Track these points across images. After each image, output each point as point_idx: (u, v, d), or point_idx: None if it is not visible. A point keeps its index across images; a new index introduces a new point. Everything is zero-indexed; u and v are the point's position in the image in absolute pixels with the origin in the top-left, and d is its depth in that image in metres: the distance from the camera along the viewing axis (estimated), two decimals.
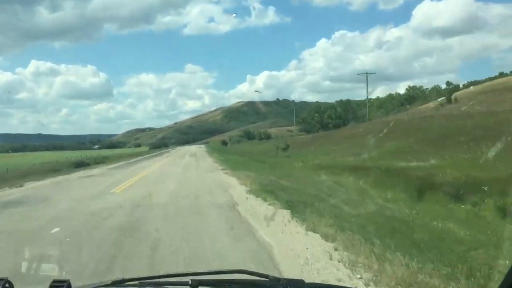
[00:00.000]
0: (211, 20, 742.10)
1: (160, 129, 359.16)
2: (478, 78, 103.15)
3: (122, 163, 37.08)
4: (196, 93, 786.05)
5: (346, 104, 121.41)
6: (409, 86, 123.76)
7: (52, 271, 3.58)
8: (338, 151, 39.82)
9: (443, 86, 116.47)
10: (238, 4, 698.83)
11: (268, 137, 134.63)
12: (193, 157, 41.20)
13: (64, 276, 1.79)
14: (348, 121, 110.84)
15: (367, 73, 65.39)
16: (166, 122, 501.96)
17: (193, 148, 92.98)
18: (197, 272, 1.93)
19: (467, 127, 25.48)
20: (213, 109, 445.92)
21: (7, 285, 1.39)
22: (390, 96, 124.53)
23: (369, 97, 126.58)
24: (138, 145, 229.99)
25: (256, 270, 1.85)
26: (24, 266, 4.02)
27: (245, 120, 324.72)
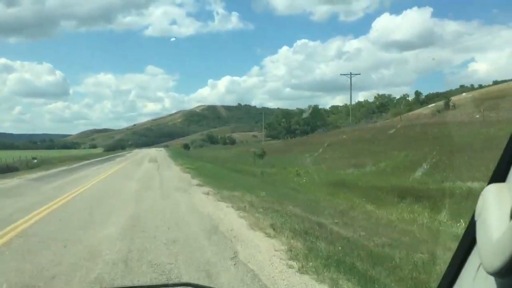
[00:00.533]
0: (174, 22, 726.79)
1: (118, 131, 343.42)
2: (432, 91, 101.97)
3: (60, 169, 28.14)
4: (157, 95, 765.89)
5: (316, 111, 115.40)
6: (378, 95, 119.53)
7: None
8: (331, 160, 32.58)
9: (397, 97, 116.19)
10: (201, 8, 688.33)
11: (232, 142, 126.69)
12: (153, 163, 32.79)
13: None
14: (317, 128, 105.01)
15: (351, 73, 58.68)
16: (124, 124, 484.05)
17: (152, 151, 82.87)
18: (146, 285, 2.23)
19: None
20: (173, 112, 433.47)
21: None
22: (359, 104, 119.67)
23: (330, 105, 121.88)
24: (94, 146, 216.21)
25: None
26: None
27: (205, 124, 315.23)
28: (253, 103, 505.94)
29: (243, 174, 24.12)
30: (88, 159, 41.67)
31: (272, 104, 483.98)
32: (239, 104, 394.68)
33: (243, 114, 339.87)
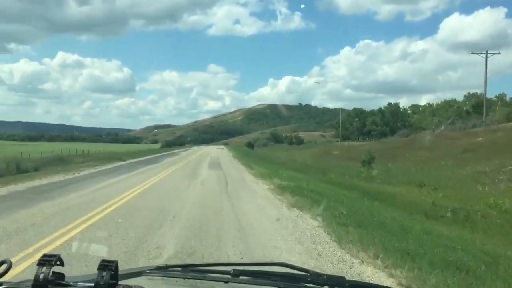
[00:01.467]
0: (237, 22, 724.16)
1: (179, 127, 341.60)
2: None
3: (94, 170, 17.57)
4: (217, 93, 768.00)
5: (395, 110, 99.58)
6: (469, 93, 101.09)
7: (100, 251, 4.45)
8: None
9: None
10: (265, 8, 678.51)
11: (300, 141, 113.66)
12: (216, 172, 20.97)
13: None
14: (396, 129, 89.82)
15: (486, 52, 43.71)
16: (185, 121, 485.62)
17: (213, 150, 70.10)
18: (238, 262, 2.17)
19: None
20: (233, 110, 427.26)
21: (58, 262, 1.32)
22: (446, 103, 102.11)
23: (402, 106, 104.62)
24: (155, 142, 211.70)
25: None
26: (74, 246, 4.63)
27: (266, 123, 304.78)
28: (313, 103, 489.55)
29: (406, 208, 11.47)
30: (124, 160, 30.67)
31: (331, 105, 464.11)
32: (300, 104, 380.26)
33: (304, 114, 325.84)
